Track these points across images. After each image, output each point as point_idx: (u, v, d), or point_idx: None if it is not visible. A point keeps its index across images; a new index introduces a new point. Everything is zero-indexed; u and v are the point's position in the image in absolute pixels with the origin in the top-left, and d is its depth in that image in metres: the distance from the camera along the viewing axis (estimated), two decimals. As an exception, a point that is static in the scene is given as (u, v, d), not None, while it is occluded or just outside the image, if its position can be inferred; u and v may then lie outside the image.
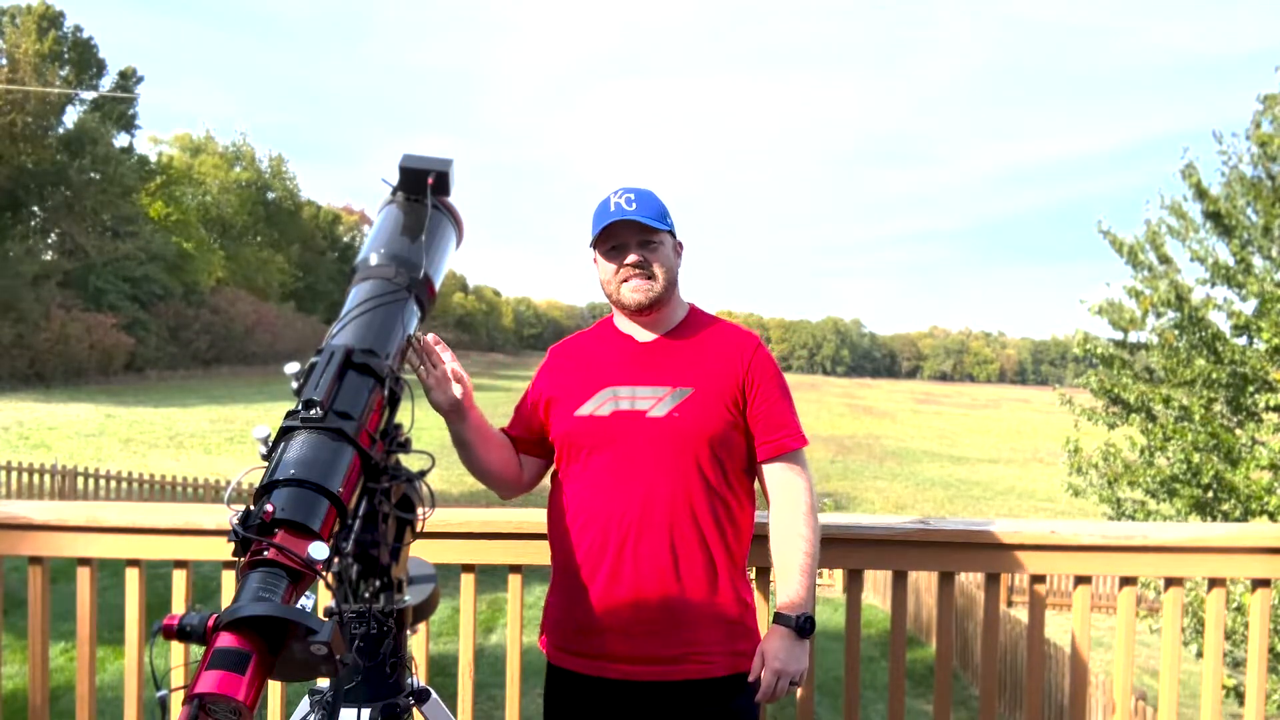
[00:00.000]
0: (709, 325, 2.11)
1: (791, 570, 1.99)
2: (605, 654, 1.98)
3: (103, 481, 15.30)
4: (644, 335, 2.08)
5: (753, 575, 2.34)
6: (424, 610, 1.65)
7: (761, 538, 2.12)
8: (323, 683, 1.64)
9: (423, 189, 1.71)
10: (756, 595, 2.22)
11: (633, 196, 2.01)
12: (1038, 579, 2.55)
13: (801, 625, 1.95)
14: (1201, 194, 8.87)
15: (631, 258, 2.00)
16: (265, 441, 1.33)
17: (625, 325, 2.10)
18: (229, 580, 2.43)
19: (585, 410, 2.02)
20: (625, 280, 2.01)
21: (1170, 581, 2.52)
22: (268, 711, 2.52)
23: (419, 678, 1.66)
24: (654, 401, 1.99)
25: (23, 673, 2.79)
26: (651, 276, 2.00)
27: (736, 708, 2.00)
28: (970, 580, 10.23)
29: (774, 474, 2.05)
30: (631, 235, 2.00)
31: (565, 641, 2.05)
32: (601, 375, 2.04)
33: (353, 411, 1.37)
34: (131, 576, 2.51)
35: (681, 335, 2.08)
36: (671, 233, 2.06)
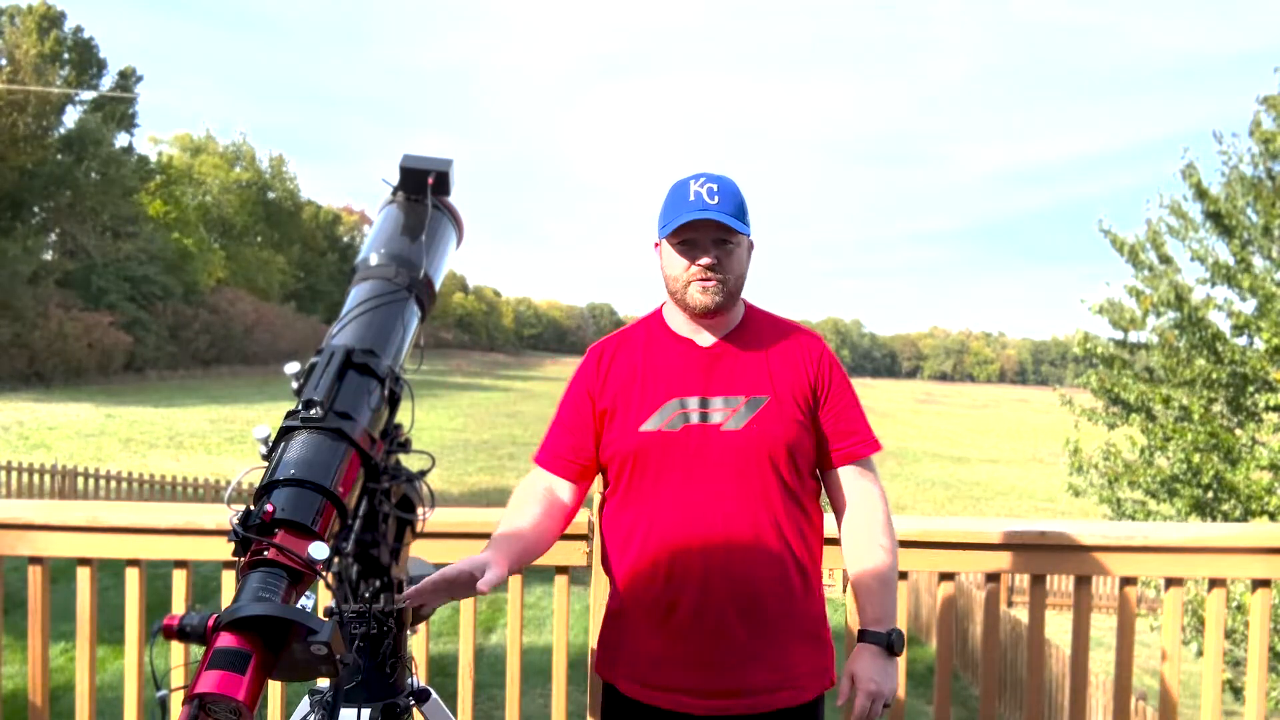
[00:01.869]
0: (771, 325, 1.97)
1: (874, 584, 1.87)
2: (692, 688, 1.84)
3: (103, 481, 15.31)
4: (706, 338, 1.91)
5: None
6: (424, 610, 1.64)
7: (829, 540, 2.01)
8: (323, 683, 1.64)
9: (423, 189, 1.70)
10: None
11: (715, 188, 1.83)
12: (1038, 579, 2.55)
13: (893, 642, 1.83)
14: (1201, 194, 8.88)
15: (705, 260, 1.82)
16: (265, 441, 1.33)
17: (682, 326, 1.93)
18: (229, 580, 2.43)
19: (652, 425, 1.86)
20: (695, 280, 1.84)
21: (1170, 581, 2.52)
22: (268, 711, 2.52)
23: (419, 678, 1.66)
24: (728, 413, 1.85)
25: (23, 673, 2.79)
26: (723, 281, 1.84)
27: None
28: (970, 580, 10.23)
29: (847, 480, 1.93)
30: (708, 233, 1.82)
31: (643, 675, 1.89)
32: (665, 385, 1.88)
33: (353, 411, 1.37)
34: (131, 576, 2.51)
35: (745, 337, 1.93)
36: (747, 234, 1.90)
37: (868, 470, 1.95)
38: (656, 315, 2.00)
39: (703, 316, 1.89)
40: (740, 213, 1.86)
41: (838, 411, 1.93)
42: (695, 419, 1.85)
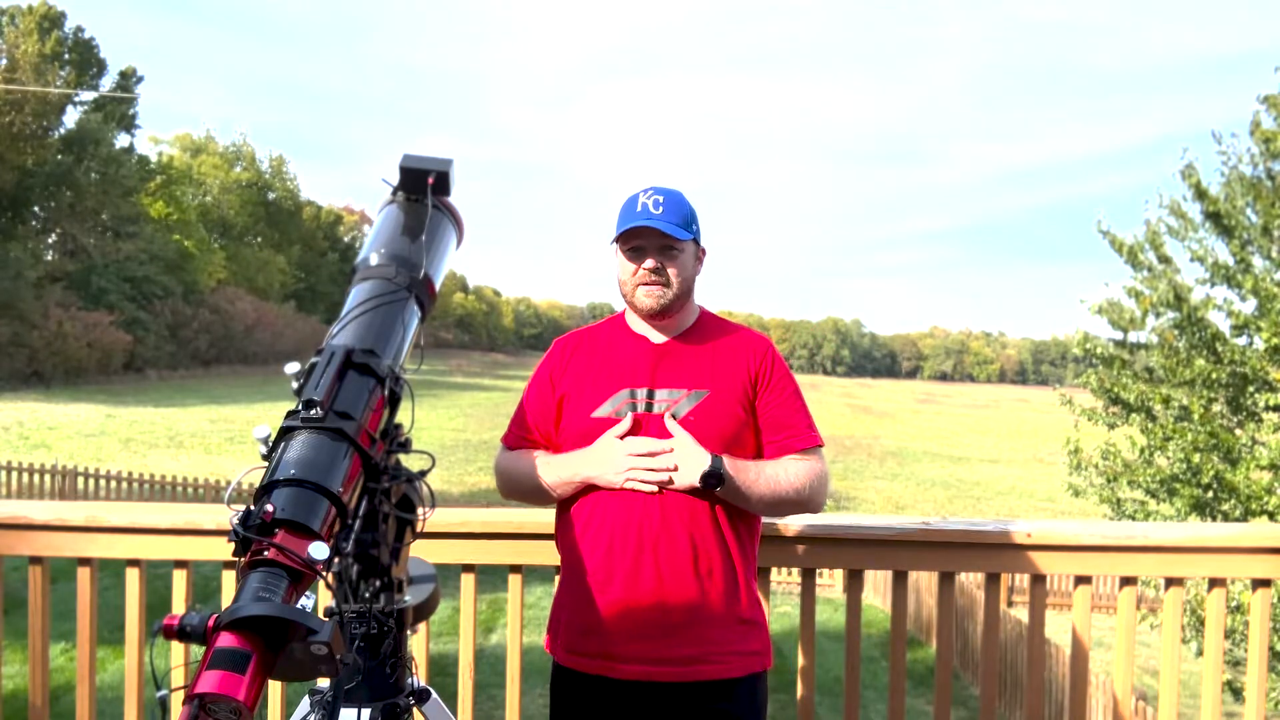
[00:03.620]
0: (721, 328, 2.12)
1: (753, 462, 1.98)
2: (619, 655, 1.96)
3: (103, 481, 15.31)
4: (658, 337, 2.07)
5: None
6: (424, 610, 1.64)
7: (766, 538, 2.10)
8: (323, 683, 1.64)
9: (423, 189, 1.70)
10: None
11: (661, 200, 2.00)
12: (1038, 579, 2.55)
13: (714, 472, 1.91)
14: (1201, 194, 8.88)
15: (649, 263, 1.99)
16: (265, 441, 1.33)
17: (639, 325, 2.10)
18: (229, 580, 2.43)
19: (602, 412, 2.01)
20: (641, 284, 2.01)
21: (1170, 581, 2.52)
22: (268, 711, 2.52)
23: (419, 678, 1.66)
24: (671, 404, 1.99)
25: (23, 673, 2.79)
26: (666, 284, 2.00)
27: (748, 708, 2.00)
28: (970, 580, 10.23)
29: None
30: (653, 240, 1.99)
31: (575, 643, 2.03)
32: (618, 376, 2.03)
33: (353, 411, 1.37)
34: (131, 576, 2.51)
35: (695, 337, 2.08)
36: (695, 240, 2.05)
37: (804, 456, 2.03)
38: (620, 315, 2.16)
39: (652, 317, 2.05)
40: (684, 223, 2.01)
41: (774, 405, 2.04)
42: (641, 408, 2.00)
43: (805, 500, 2.02)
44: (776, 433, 2.03)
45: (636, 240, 2.00)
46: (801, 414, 2.06)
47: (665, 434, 1.97)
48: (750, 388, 2.03)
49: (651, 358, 2.05)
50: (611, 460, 1.95)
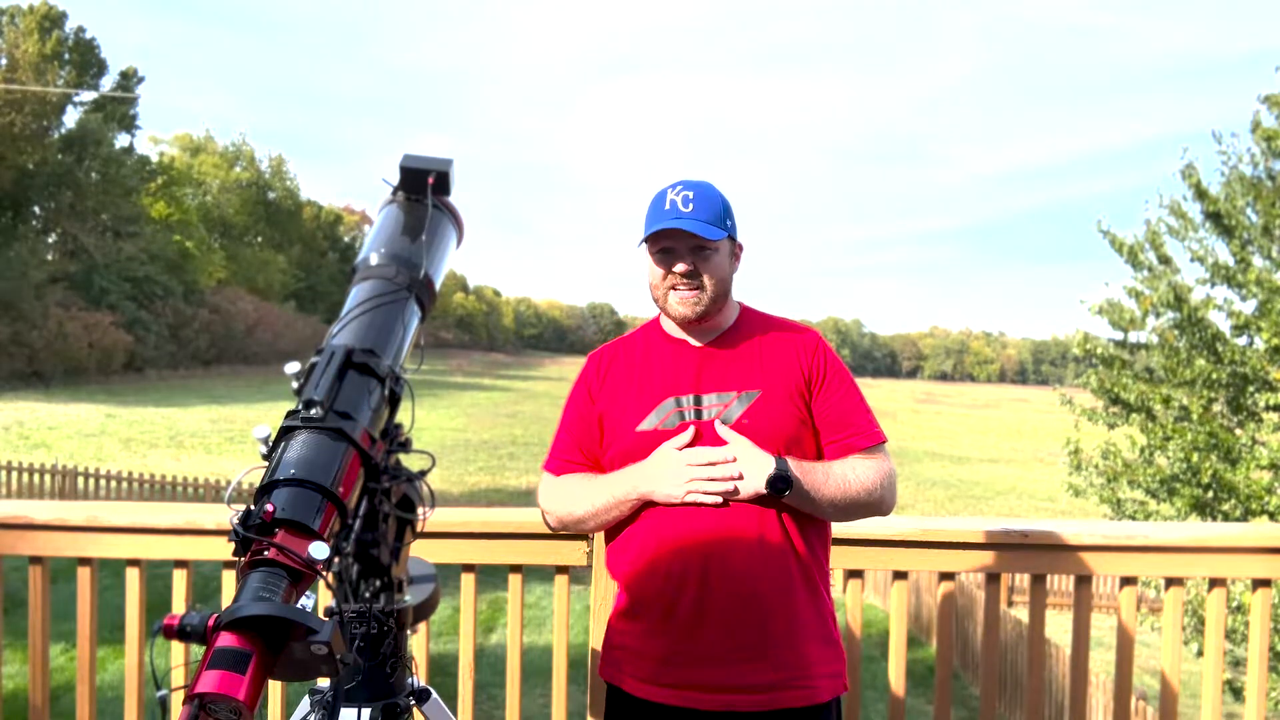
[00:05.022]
0: (765, 323, 1.99)
1: (820, 463, 1.85)
2: (697, 684, 1.82)
3: (103, 481, 15.33)
4: (697, 340, 1.95)
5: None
6: (424, 610, 1.64)
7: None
8: (323, 683, 1.64)
9: (423, 189, 1.70)
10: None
11: (691, 195, 1.87)
12: (1038, 579, 2.55)
13: (781, 475, 1.78)
14: (1201, 194, 8.90)
15: (680, 267, 1.86)
16: (266, 441, 1.33)
17: (675, 330, 1.97)
18: (229, 580, 2.43)
19: (648, 424, 1.88)
20: (673, 288, 1.89)
21: (1171, 581, 2.52)
22: (268, 711, 2.52)
23: (419, 678, 1.66)
24: (721, 408, 1.86)
25: (23, 673, 2.79)
26: (700, 287, 1.87)
27: None
28: (970, 580, 10.23)
29: None
30: (684, 240, 1.86)
31: (650, 673, 1.87)
32: (660, 385, 1.91)
33: (353, 411, 1.37)
34: (131, 576, 2.51)
35: (738, 336, 1.95)
36: (731, 237, 1.92)
37: (869, 454, 1.90)
38: (654, 321, 2.03)
39: (689, 323, 1.92)
40: (718, 219, 1.88)
41: (831, 404, 1.91)
42: (690, 416, 1.87)
43: (877, 502, 1.88)
44: (838, 432, 1.89)
45: (666, 242, 1.87)
46: (862, 409, 1.93)
47: (718, 441, 1.83)
48: (805, 386, 1.90)
49: (694, 361, 1.92)
50: (671, 474, 1.81)
